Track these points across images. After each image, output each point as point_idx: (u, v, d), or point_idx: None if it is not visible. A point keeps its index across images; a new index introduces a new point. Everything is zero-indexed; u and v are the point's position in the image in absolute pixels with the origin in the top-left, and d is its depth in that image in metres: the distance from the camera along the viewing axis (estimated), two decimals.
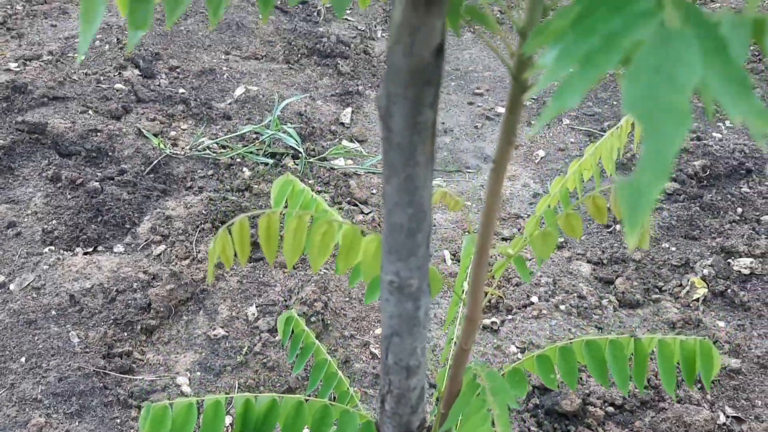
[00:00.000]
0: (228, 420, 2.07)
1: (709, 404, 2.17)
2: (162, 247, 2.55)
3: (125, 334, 2.29)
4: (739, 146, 3.34)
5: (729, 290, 2.59)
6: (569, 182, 0.94)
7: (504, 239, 2.88)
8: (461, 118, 3.75)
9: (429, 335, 2.48)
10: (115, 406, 2.06)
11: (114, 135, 3.08)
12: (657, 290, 2.66)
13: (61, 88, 3.31)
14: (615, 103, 3.87)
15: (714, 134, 3.49)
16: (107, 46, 3.69)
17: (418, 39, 0.53)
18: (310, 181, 3.00)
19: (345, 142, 3.31)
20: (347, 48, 4.00)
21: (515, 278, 2.66)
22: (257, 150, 3.09)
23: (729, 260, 2.70)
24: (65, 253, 2.54)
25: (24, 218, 2.67)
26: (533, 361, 0.96)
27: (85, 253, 2.54)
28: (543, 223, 0.93)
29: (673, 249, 2.79)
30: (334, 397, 1.24)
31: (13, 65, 3.39)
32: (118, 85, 3.45)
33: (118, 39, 3.76)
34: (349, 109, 3.60)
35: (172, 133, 3.13)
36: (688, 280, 2.65)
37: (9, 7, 3.96)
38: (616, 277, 2.67)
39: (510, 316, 2.52)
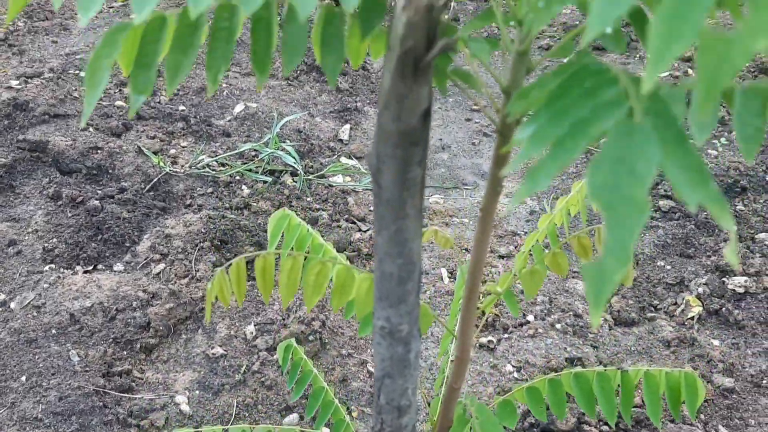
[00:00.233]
0: None
1: (703, 424, 2.19)
2: (161, 266, 2.58)
3: (125, 352, 2.31)
4: (735, 164, 3.37)
5: (723, 309, 2.62)
6: (557, 218, 0.97)
7: (501, 257, 2.90)
8: (459, 135, 3.78)
9: (427, 353, 2.50)
10: (115, 425, 2.08)
11: (114, 152, 3.11)
12: (652, 308, 2.68)
13: (62, 105, 3.35)
14: None
15: (709, 151, 3.52)
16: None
17: (406, 106, 0.56)
18: (308, 199, 3.03)
19: (343, 159, 3.34)
20: (346, 65, 4.04)
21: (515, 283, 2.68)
22: (256, 167, 3.12)
23: (723, 279, 2.73)
24: (65, 271, 2.56)
25: (25, 236, 2.70)
26: (523, 392, 0.98)
27: (85, 272, 2.57)
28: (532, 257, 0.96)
29: (669, 267, 2.82)
30: (331, 424, 1.27)
31: (14, 83, 3.42)
32: (119, 102, 3.49)
33: None
34: (347, 126, 3.63)
35: (172, 151, 3.17)
36: (683, 299, 2.68)
37: (11, 24, 4.00)
38: (612, 296, 2.70)
39: (506, 335, 2.55)
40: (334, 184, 3.14)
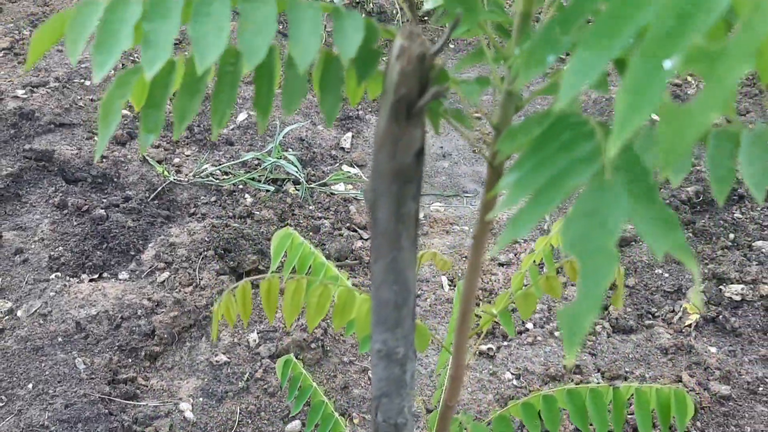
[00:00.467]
0: None
1: (699, 431, 2.22)
2: (166, 274, 2.61)
3: (130, 360, 2.35)
4: None
5: (720, 316, 2.65)
6: (553, 240, 1.00)
7: (501, 264, 2.94)
8: (459, 142, 3.81)
9: (427, 360, 2.53)
10: None
11: (119, 161, 3.15)
12: (650, 316, 2.71)
13: (67, 114, 3.39)
14: None
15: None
16: (112, 72, 3.77)
17: (400, 146, 0.59)
18: (310, 207, 3.07)
19: (345, 167, 3.38)
20: None
21: (510, 304, 2.72)
22: (259, 176, 3.15)
23: (721, 286, 2.76)
24: (71, 279, 2.60)
25: (31, 245, 2.74)
26: (518, 407, 1.02)
27: (91, 280, 2.60)
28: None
29: (666, 275, 2.85)
30: None
31: (20, 92, 3.47)
32: (124, 111, 3.53)
33: (123, 65, 3.84)
34: (349, 134, 3.67)
35: (176, 160, 3.21)
36: (681, 306, 2.71)
37: (16, 32, 4.04)
38: (610, 303, 2.73)
39: (506, 343, 2.58)
40: (336, 193, 3.18)
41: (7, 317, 2.45)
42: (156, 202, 2.96)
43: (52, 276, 2.61)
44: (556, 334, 2.59)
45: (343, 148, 3.58)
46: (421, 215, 3.18)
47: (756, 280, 2.75)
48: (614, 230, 0.40)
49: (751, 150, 0.52)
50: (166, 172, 3.08)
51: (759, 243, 2.95)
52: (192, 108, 0.57)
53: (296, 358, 2.43)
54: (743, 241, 2.98)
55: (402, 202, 0.63)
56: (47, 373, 2.26)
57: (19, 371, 2.26)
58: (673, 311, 2.70)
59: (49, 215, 2.85)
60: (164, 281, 2.60)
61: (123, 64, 3.85)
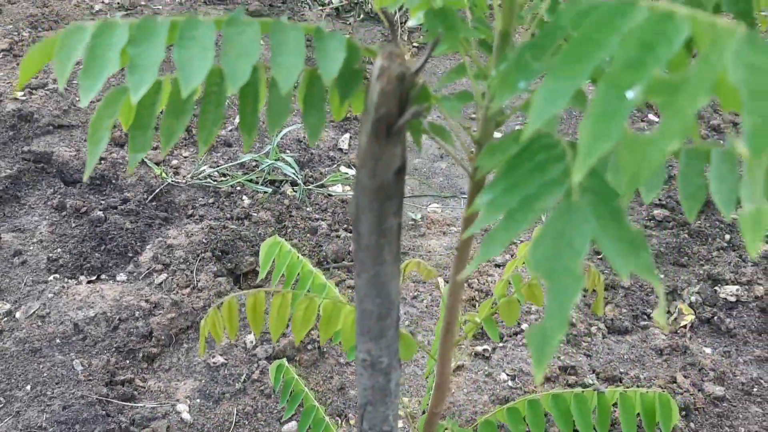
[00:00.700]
0: None
1: None
2: (163, 276, 2.63)
3: (127, 361, 2.37)
4: None
5: (715, 317, 2.66)
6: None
7: (497, 265, 2.95)
8: (457, 143, 3.82)
9: (424, 361, 2.55)
10: None
11: (117, 163, 3.16)
12: (645, 317, 2.73)
13: (65, 116, 3.40)
14: None
15: None
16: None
17: (380, 164, 0.61)
18: (308, 209, 3.08)
19: (343, 168, 3.39)
20: None
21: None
22: (257, 178, 3.17)
23: (716, 287, 2.77)
24: (70, 281, 2.61)
25: (30, 246, 2.75)
26: (504, 412, 1.03)
27: (89, 282, 2.62)
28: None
29: (662, 276, 2.86)
30: None
31: (19, 94, 3.48)
32: None
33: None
34: (347, 135, 3.68)
35: (174, 161, 3.22)
36: (676, 307, 2.72)
37: (15, 33, 4.06)
38: (606, 304, 2.74)
39: (501, 343, 2.59)
40: (333, 194, 3.19)
41: (5, 319, 2.46)
42: (154, 203, 2.98)
43: (51, 278, 2.62)
44: None
45: (341, 149, 3.59)
46: (418, 216, 3.20)
47: (751, 281, 2.76)
48: (581, 251, 0.42)
49: (720, 167, 0.54)
50: (164, 174, 3.10)
51: None
52: (179, 128, 0.59)
53: (293, 359, 2.45)
54: (739, 242, 3.00)
55: (384, 217, 0.64)
56: (45, 374, 2.27)
57: (17, 373, 2.28)
58: (669, 312, 2.71)
59: (47, 217, 2.87)
60: (162, 283, 2.61)
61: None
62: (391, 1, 0.67)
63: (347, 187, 3.29)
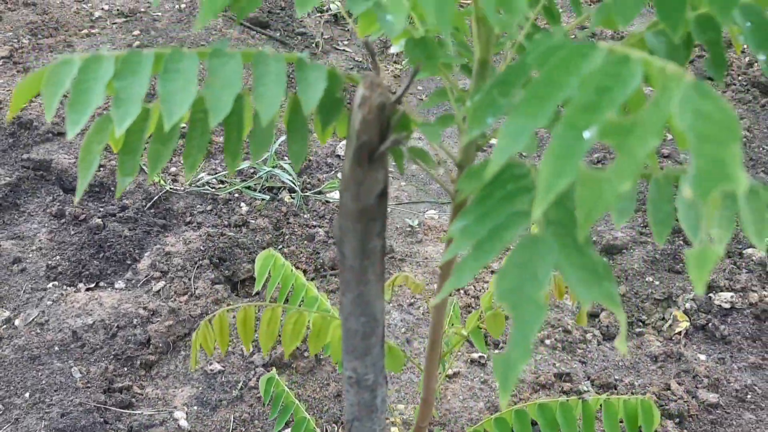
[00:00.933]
0: None
1: None
2: (161, 283, 2.65)
3: (125, 369, 2.39)
4: None
5: (710, 324, 2.68)
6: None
7: (493, 272, 2.97)
8: (454, 150, 3.85)
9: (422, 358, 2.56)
10: None
11: (116, 170, 3.18)
12: (640, 324, 2.74)
13: (65, 124, 3.42)
14: None
15: None
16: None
17: (363, 188, 0.63)
18: (305, 216, 3.10)
19: (340, 175, 3.41)
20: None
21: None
22: (255, 185, 3.19)
23: (710, 294, 2.79)
24: (68, 288, 2.63)
25: (29, 254, 2.78)
26: (492, 422, 1.05)
27: (88, 289, 2.64)
28: None
29: (657, 283, 2.88)
30: None
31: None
32: None
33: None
34: (344, 142, 3.70)
35: (173, 169, 3.24)
36: (671, 314, 2.74)
37: (15, 41, 4.08)
38: (601, 311, 2.76)
39: (497, 350, 2.61)
40: (331, 201, 3.21)
41: (4, 326, 2.48)
42: (152, 211, 3.00)
43: (50, 285, 2.65)
44: (547, 342, 2.62)
45: (338, 156, 3.61)
46: (415, 222, 3.22)
47: (745, 288, 2.78)
48: (543, 281, 0.44)
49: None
50: (162, 181, 3.12)
51: (749, 251, 2.98)
52: (166, 153, 0.61)
53: (289, 366, 2.47)
54: (733, 249, 3.01)
55: (367, 239, 0.66)
56: (44, 382, 2.29)
57: (16, 380, 2.29)
58: (663, 319, 2.73)
59: (46, 224, 2.89)
60: (160, 290, 2.63)
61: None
62: (373, 29, 0.69)
63: None
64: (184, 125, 0.65)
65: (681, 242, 3.05)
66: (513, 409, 1.06)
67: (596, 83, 0.41)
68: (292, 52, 0.60)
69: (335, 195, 3.28)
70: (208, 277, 2.67)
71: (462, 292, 2.83)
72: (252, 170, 3.31)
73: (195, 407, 2.30)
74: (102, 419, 2.19)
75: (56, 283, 2.65)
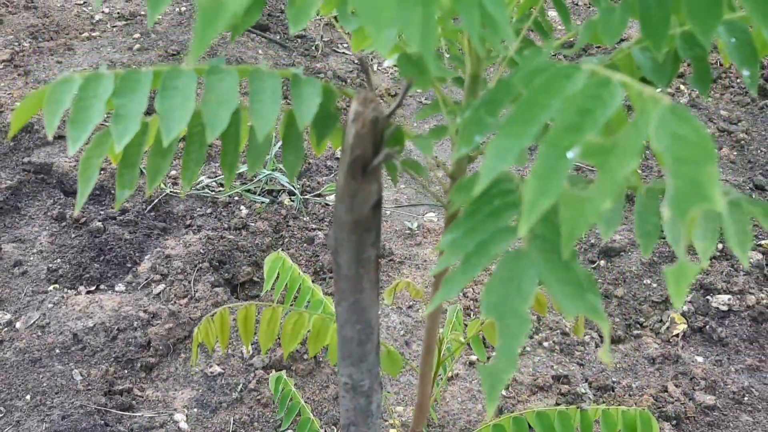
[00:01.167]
0: None
1: None
2: (161, 286, 2.66)
3: (126, 371, 2.40)
4: (723, 180, 3.44)
5: (707, 326, 2.69)
6: None
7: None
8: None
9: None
10: None
11: (115, 175, 3.20)
12: (638, 326, 2.76)
13: (65, 126, 3.44)
14: None
15: None
16: None
17: (357, 200, 0.64)
18: (305, 219, 3.12)
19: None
20: (344, 83, 4.13)
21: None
22: (254, 188, 3.21)
23: (708, 297, 2.80)
24: (69, 291, 2.65)
25: (30, 257, 2.79)
26: (489, 429, 1.06)
27: (88, 292, 2.66)
28: None
29: (655, 285, 2.89)
30: None
31: (18, 105, 3.52)
32: None
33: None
34: None
35: (173, 172, 3.26)
36: (669, 316, 2.76)
37: (16, 44, 4.10)
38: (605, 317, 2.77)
39: (495, 353, 2.62)
40: (330, 204, 3.23)
41: (5, 329, 2.50)
42: (152, 214, 3.02)
43: (50, 288, 2.66)
44: (545, 344, 2.63)
45: (338, 159, 3.62)
46: (414, 225, 3.23)
47: (743, 291, 2.79)
48: (528, 295, 0.45)
49: None
50: (162, 184, 3.13)
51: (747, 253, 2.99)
52: (164, 166, 0.62)
53: (289, 369, 2.48)
54: (731, 252, 3.03)
55: (362, 249, 0.68)
56: (45, 384, 2.31)
57: (17, 383, 2.31)
58: (661, 321, 2.74)
59: (47, 227, 2.90)
60: (160, 293, 2.65)
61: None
62: (366, 44, 0.70)
63: None
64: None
65: None
66: (511, 416, 1.07)
67: (578, 105, 0.42)
68: (288, 68, 0.62)
69: (335, 198, 3.30)
70: (208, 280, 2.69)
71: (461, 294, 2.84)
72: (252, 174, 3.33)
73: (195, 409, 2.31)
74: (102, 421, 2.21)
75: (57, 286, 2.67)
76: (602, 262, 3.02)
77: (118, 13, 4.55)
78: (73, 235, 2.86)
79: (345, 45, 4.61)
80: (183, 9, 4.66)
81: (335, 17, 0.77)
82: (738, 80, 4.36)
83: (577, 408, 1.07)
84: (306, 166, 3.48)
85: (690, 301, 2.77)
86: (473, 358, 2.59)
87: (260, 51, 4.31)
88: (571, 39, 0.74)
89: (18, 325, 2.51)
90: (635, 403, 2.38)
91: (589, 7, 5.26)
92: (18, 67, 3.90)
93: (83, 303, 2.58)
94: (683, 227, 0.39)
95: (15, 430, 2.17)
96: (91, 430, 2.17)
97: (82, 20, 4.43)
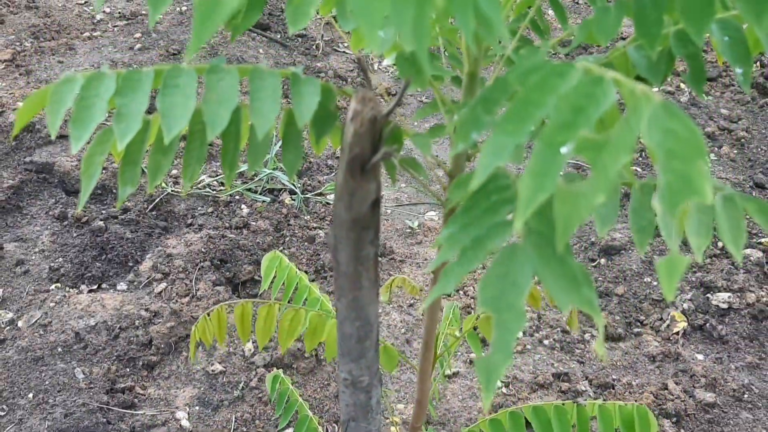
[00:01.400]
0: None
1: None
2: (163, 285, 2.67)
3: (128, 369, 2.41)
4: (722, 179, 3.45)
5: (708, 324, 2.70)
6: None
7: None
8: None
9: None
10: None
11: (117, 173, 3.21)
12: (639, 324, 2.76)
13: (67, 126, 3.45)
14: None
15: None
16: None
17: (356, 198, 0.65)
18: (306, 217, 3.13)
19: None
20: (344, 82, 4.14)
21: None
22: (255, 187, 3.21)
23: (708, 295, 2.81)
24: (71, 290, 2.66)
25: (32, 256, 2.80)
26: (487, 423, 1.07)
27: (90, 291, 2.67)
28: None
29: (655, 284, 2.90)
30: None
31: (21, 104, 3.53)
32: None
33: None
34: None
35: (174, 171, 3.27)
36: (669, 314, 2.76)
37: (18, 44, 4.11)
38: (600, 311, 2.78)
39: (490, 346, 2.63)
40: (331, 202, 3.23)
41: (8, 327, 2.51)
42: (154, 213, 3.03)
43: (52, 287, 2.67)
44: (545, 342, 2.64)
45: (339, 158, 3.63)
46: (415, 224, 3.24)
47: (743, 289, 2.80)
48: (524, 289, 0.46)
49: None
50: (163, 184, 3.14)
51: (747, 251, 3.00)
52: (165, 164, 0.63)
53: (290, 367, 2.49)
54: None
55: (361, 246, 0.69)
56: (47, 382, 2.32)
57: (19, 381, 2.32)
58: (661, 319, 2.75)
59: (49, 227, 2.91)
60: (161, 292, 2.66)
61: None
62: (366, 44, 0.71)
63: None
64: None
65: (679, 243, 3.07)
66: (508, 411, 1.08)
67: (572, 103, 0.43)
68: (288, 68, 0.62)
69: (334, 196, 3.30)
70: (209, 279, 2.70)
71: (461, 292, 2.85)
72: (252, 173, 3.34)
73: (197, 407, 2.32)
74: (105, 419, 2.22)
75: (59, 285, 2.68)
76: (603, 261, 3.02)
77: (119, 12, 4.56)
78: (74, 234, 2.87)
79: (345, 44, 4.61)
80: (184, 8, 4.67)
81: (334, 17, 0.78)
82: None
83: (574, 403, 1.08)
84: (307, 165, 3.49)
85: (690, 299, 2.77)
86: (474, 356, 2.60)
87: (261, 50, 4.32)
88: (569, 38, 0.75)
89: (20, 323, 2.52)
90: (635, 401, 2.39)
91: (590, 6, 5.26)
92: (19, 66, 3.91)
93: (85, 302, 2.59)
94: (675, 221, 0.39)
95: (18, 428, 2.18)
96: (94, 428, 2.18)
97: (83, 20, 4.44)
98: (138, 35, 4.33)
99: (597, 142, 0.41)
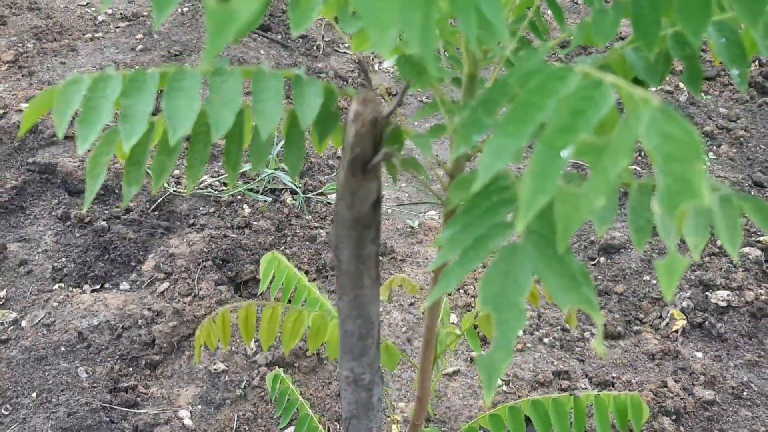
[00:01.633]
0: None
1: None
2: (165, 285, 2.68)
3: (130, 369, 2.42)
4: (721, 178, 3.46)
5: (707, 322, 2.71)
6: None
7: None
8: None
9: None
10: None
11: (120, 173, 3.22)
12: (638, 322, 2.77)
13: (70, 127, 3.46)
14: None
15: None
16: None
17: (357, 198, 0.66)
18: (307, 217, 3.13)
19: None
20: (345, 83, 4.15)
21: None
22: (257, 187, 3.22)
23: (707, 293, 2.82)
24: (74, 290, 2.67)
25: (35, 256, 2.81)
26: (486, 419, 1.08)
27: (93, 291, 2.68)
28: None
29: (654, 282, 2.91)
30: None
31: (24, 105, 3.54)
32: None
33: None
34: None
35: (176, 171, 3.28)
36: (668, 312, 2.77)
37: (20, 45, 4.12)
38: (599, 309, 2.79)
39: (491, 344, 2.64)
40: (332, 202, 3.24)
41: (11, 327, 2.52)
42: (156, 213, 3.04)
43: (56, 287, 2.68)
44: (545, 340, 2.65)
45: (340, 158, 3.64)
46: (415, 223, 3.25)
47: (742, 287, 2.81)
48: (525, 288, 0.47)
49: None
50: (166, 184, 3.15)
51: (746, 249, 3.01)
52: (169, 165, 0.64)
53: (292, 366, 2.50)
54: None
55: (362, 245, 0.70)
56: (50, 382, 2.33)
57: (23, 380, 2.33)
58: (661, 317, 2.76)
59: (52, 227, 2.92)
60: (164, 291, 2.67)
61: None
62: (366, 46, 0.72)
63: None
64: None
65: (678, 241, 3.08)
66: (507, 405, 1.09)
67: (571, 106, 0.44)
68: (290, 69, 0.63)
69: (336, 196, 3.31)
70: (211, 279, 2.71)
71: (462, 291, 2.86)
72: (255, 173, 3.35)
73: (199, 406, 2.33)
74: (108, 418, 2.23)
75: (62, 284, 2.69)
76: (602, 259, 3.03)
77: (121, 14, 4.57)
78: (77, 235, 2.88)
79: (346, 45, 4.62)
80: (185, 9, 4.68)
81: (335, 18, 0.79)
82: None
83: (571, 395, 1.09)
84: (308, 165, 3.50)
85: (689, 297, 2.78)
86: (474, 354, 2.61)
87: (262, 51, 4.33)
88: (568, 38, 0.76)
89: (24, 323, 2.53)
90: None
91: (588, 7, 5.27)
92: (22, 68, 3.92)
93: (88, 301, 2.60)
94: (674, 222, 0.40)
95: (21, 427, 2.19)
96: (97, 427, 2.19)
97: (85, 21, 4.45)
98: (140, 36, 4.34)
99: (597, 146, 0.42)
